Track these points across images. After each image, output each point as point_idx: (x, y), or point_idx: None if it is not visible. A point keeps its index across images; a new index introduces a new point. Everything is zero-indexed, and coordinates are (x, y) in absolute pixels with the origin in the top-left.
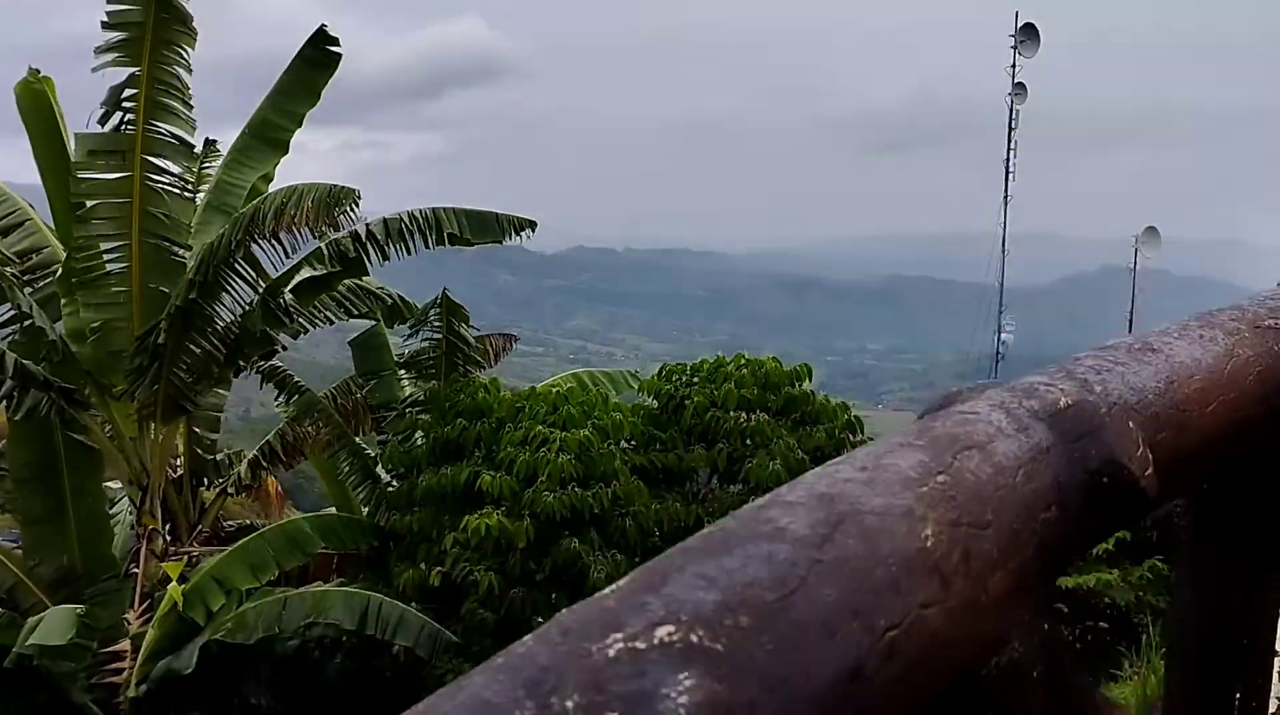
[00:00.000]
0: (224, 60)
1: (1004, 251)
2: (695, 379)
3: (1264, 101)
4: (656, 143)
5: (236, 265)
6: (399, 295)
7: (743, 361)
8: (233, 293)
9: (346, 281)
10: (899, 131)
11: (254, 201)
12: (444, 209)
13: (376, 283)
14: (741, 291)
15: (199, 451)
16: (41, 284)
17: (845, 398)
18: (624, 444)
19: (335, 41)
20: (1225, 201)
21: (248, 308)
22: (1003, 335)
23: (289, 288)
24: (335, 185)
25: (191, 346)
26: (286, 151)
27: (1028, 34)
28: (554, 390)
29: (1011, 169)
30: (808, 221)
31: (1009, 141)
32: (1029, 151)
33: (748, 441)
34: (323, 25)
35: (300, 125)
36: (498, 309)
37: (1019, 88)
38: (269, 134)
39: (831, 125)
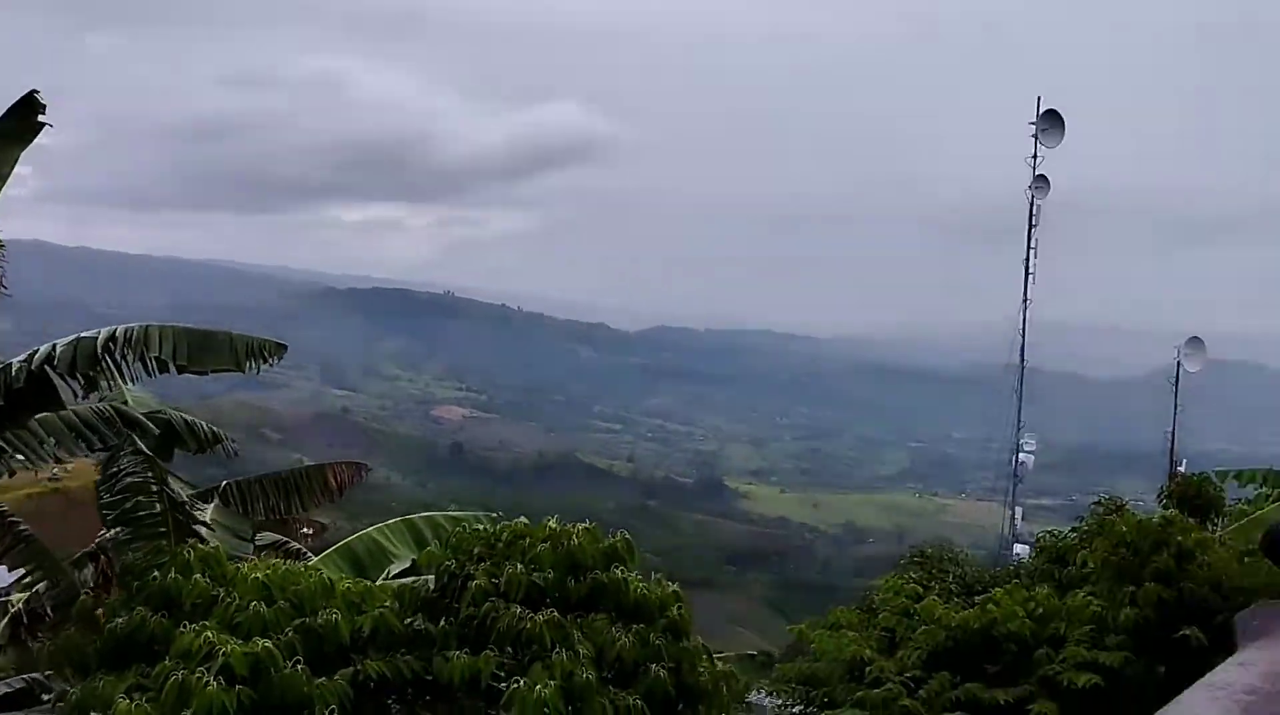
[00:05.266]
0: (336, 141)
1: (1022, 362)
2: (494, 550)
3: None
4: (747, 225)
5: None
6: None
7: (546, 532)
8: None
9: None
10: (992, 216)
11: None
12: (156, 326)
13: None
14: (826, 376)
15: None
16: None
17: (929, 486)
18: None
19: (42, 109)
20: None
21: None
22: (1021, 455)
23: None
24: None
25: None
26: None
27: (1050, 122)
28: (256, 574)
29: (1032, 269)
30: (896, 307)
31: (1029, 239)
32: (1124, 238)
33: (525, 648)
34: (32, 91)
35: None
36: (579, 384)
37: (1040, 179)
38: None
39: (925, 212)
